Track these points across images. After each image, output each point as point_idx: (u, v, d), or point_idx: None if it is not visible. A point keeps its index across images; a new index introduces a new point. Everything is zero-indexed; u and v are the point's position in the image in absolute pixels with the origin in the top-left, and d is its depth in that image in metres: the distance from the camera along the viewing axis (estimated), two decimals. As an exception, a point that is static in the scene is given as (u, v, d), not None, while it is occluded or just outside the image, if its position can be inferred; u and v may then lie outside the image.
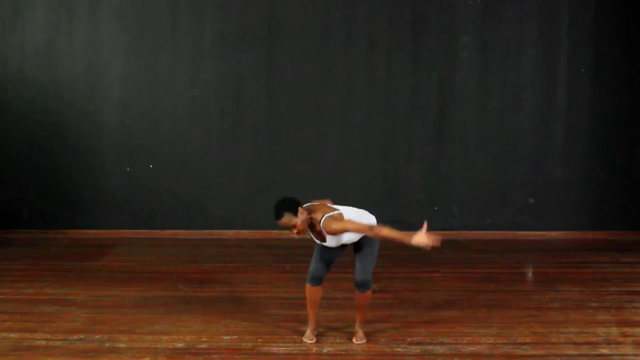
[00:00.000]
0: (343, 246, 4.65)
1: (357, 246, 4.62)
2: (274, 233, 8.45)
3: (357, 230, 4.35)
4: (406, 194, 8.64)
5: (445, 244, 8.08)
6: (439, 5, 8.52)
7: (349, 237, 4.51)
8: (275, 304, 5.63)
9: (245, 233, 8.53)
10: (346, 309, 5.31)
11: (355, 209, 4.61)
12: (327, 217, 4.33)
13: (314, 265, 4.65)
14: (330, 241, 4.48)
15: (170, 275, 6.60)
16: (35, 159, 8.53)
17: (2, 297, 5.81)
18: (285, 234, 8.35)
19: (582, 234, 8.59)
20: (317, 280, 4.66)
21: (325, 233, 4.38)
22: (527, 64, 8.59)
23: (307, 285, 4.70)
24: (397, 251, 7.66)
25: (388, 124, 8.59)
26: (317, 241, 4.57)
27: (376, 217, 4.72)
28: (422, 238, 4.27)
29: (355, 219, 4.43)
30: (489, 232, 8.60)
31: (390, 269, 6.85)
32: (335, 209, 4.44)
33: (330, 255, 4.64)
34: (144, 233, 8.49)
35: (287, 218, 4.30)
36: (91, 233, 8.51)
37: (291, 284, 6.21)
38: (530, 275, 7.10)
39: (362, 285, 4.60)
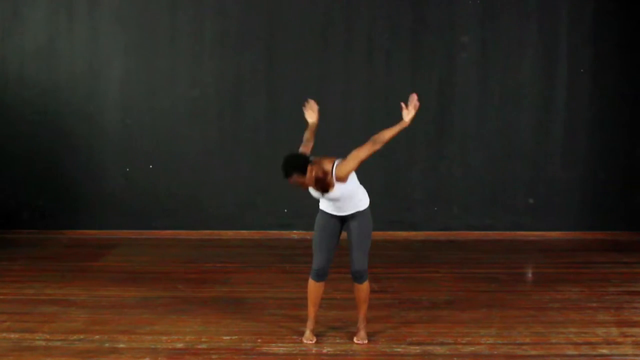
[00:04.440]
0: (340, 226, 4.64)
1: (350, 230, 4.63)
2: (273, 233, 8.47)
3: (367, 154, 4.47)
4: (406, 194, 8.64)
5: (445, 244, 8.18)
6: (439, 5, 8.52)
7: (342, 199, 4.54)
8: (275, 304, 5.63)
9: (245, 233, 8.53)
10: (346, 309, 5.31)
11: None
12: (338, 164, 4.43)
13: (317, 260, 4.65)
14: (336, 192, 4.49)
15: (170, 275, 6.60)
16: (35, 159, 8.52)
17: (2, 297, 5.81)
18: (285, 234, 8.40)
19: (582, 234, 8.59)
20: (321, 276, 4.67)
21: (335, 181, 4.43)
22: (527, 64, 8.59)
23: (311, 282, 4.70)
24: (397, 251, 7.70)
25: (388, 123, 8.56)
26: (316, 195, 4.59)
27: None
28: (409, 115, 4.68)
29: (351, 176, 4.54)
30: (489, 232, 8.60)
31: (390, 269, 6.85)
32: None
33: (330, 241, 4.63)
34: (144, 233, 8.49)
35: (296, 177, 4.37)
36: (91, 233, 8.51)
37: (291, 284, 6.21)
38: (530, 275, 7.10)
39: (358, 276, 4.64)
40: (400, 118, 4.83)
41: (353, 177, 4.57)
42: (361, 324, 4.79)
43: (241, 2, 8.53)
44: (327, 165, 4.44)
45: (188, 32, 8.51)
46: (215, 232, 8.54)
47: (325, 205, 4.67)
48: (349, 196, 4.56)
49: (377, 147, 4.52)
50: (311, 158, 4.49)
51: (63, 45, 8.49)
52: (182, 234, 8.52)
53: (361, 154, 4.46)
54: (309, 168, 4.35)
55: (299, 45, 8.52)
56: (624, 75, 8.57)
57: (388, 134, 4.59)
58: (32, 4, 8.45)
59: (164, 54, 8.53)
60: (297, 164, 4.36)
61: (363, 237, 4.62)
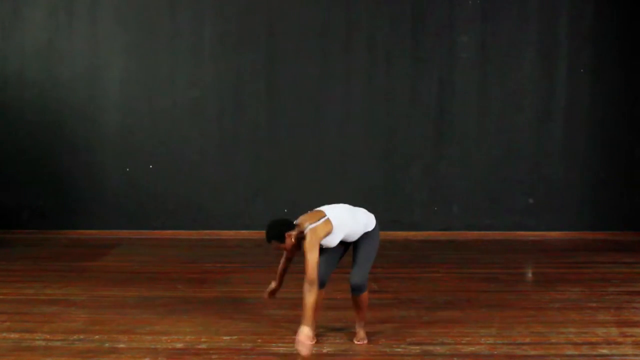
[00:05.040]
0: (345, 246, 4.66)
1: (357, 244, 4.64)
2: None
3: (308, 264, 4.38)
4: (406, 194, 8.65)
5: (445, 244, 8.18)
6: (438, 5, 8.53)
7: (347, 236, 4.56)
8: (275, 304, 5.61)
9: (245, 233, 8.53)
10: (346, 309, 5.30)
11: (347, 208, 4.64)
12: (309, 229, 4.42)
13: (319, 270, 4.62)
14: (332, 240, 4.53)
15: (170, 275, 6.60)
16: (35, 159, 8.53)
17: (2, 297, 5.81)
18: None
19: (582, 234, 8.59)
20: (320, 284, 4.65)
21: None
22: (527, 64, 8.60)
23: None
24: (397, 251, 7.70)
25: (388, 123, 8.60)
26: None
27: (376, 218, 4.73)
28: (304, 342, 4.42)
29: (341, 223, 4.50)
30: (489, 232, 8.60)
31: (390, 269, 6.84)
32: (322, 216, 4.48)
33: (334, 257, 4.65)
34: (144, 233, 8.49)
35: (275, 243, 4.50)
36: (91, 233, 8.51)
37: (291, 284, 6.18)
38: (529, 275, 7.10)
39: (356, 289, 4.61)
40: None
41: (339, 226, 4.52)
42: (359, 326, 4.78)
43: (241, 2, 8.54)
44: (306, 226, 4.47)
45: (188, 32, 8.52)
46: (215, 232, 8.54)
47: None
48: (349, 234, 4.58)
49: (306, 281, 4.43)
50: (296, 222, 4.52)
51: (63, 45, 8.49)
52: (182, 234, 8.52)
53: (309, 257, 4.38)
54: (286, 235, 4.44)
55: (299, 45, 8.53)
56: (623, 75, 8.57)
57: (307, 301, 4.44)
58: (32, 3, 8.46)
59: (164, 54, 8.53)
60: (275, 232, 4.48)
61: (367, 254, 4.62)
